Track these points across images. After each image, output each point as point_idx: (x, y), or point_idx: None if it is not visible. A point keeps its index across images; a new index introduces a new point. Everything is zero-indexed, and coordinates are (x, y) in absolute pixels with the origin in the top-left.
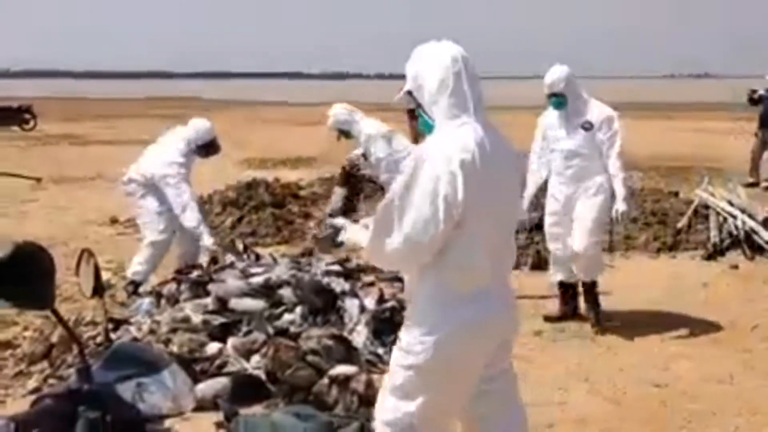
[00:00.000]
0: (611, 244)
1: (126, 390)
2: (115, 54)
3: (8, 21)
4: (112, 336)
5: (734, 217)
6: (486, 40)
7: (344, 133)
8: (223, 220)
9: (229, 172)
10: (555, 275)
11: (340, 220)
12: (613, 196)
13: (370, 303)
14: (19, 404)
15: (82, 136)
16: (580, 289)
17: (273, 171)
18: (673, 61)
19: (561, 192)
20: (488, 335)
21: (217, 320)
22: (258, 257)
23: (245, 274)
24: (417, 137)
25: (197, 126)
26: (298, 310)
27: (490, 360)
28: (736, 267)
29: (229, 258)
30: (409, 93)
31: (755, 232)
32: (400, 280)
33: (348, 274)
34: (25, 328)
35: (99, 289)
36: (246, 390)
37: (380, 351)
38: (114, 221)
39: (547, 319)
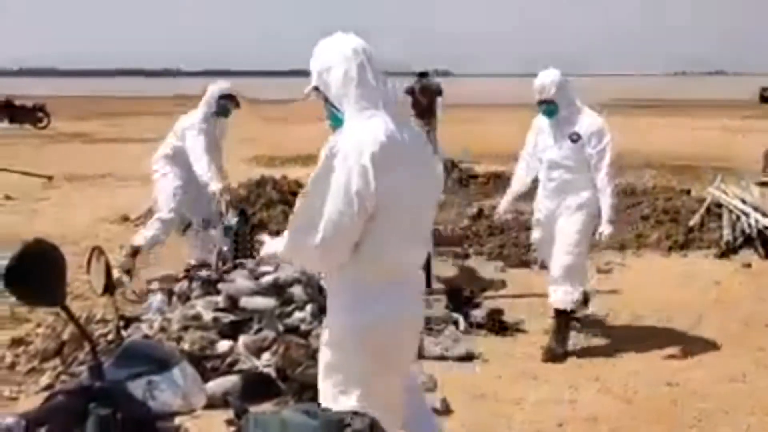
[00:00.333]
0: (621, 243)
1: (137, 387)
2: (122, 52)
3: (16, 21)
4: (123, 333)
5: (747, 215)
6: (523, 38)
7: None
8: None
9: (239, 169)
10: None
11: (263, 236)
12: (599, 213)
13: None
14: (32, 401)
15: (92, 134)
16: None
17: (281, 169)
18: (685, 59)
19: (544, 206)
20: (404, 327)
21: (228, 318)
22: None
23: (254, 275)
24: None
25: (211, 87)
26: (309, 308)
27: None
28: (749, 265)
29: (234, 219)
30: (316, 89)
31: None
32: None
33: None
34: (38, 326)
35: (110, 286)
36: (256, 387)
37: None
38: (125, 219)
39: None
